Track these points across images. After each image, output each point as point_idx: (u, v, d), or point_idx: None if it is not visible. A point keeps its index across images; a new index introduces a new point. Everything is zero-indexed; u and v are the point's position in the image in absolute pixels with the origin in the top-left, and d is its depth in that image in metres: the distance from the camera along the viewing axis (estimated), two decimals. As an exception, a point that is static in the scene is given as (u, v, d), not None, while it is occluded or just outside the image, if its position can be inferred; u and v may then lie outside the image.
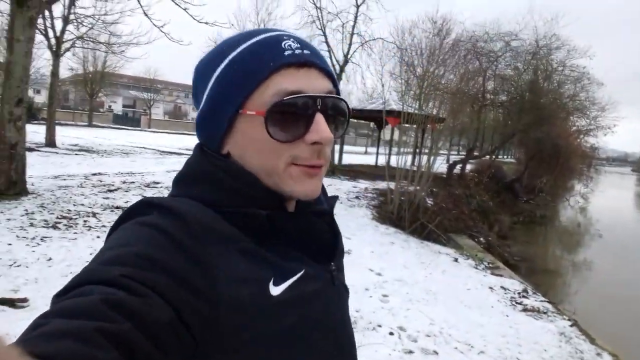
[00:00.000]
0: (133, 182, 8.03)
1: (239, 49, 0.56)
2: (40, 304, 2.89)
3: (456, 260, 6.31)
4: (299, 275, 0.54)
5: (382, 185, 10.61)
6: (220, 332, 0.46)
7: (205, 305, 0.45)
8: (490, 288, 5.16)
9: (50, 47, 13.75)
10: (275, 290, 0.51)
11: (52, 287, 3.15)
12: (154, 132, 35.85)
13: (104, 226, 4.99)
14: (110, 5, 14.17)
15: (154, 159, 13.29)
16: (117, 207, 5.96)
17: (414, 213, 7.77)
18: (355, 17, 13.71)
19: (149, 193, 7.14)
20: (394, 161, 9.33)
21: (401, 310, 3.97)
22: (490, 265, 6.35)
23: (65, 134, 17.79)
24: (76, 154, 12.52)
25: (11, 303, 2.89)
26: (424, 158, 9.14)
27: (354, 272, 4.72)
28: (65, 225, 4.89)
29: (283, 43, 0.55)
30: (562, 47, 16.77)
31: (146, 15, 8.90)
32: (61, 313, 0.38)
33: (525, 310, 4.56)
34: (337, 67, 13.91)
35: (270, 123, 0.53)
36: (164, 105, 60.40)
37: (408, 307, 4.07)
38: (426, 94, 9.71)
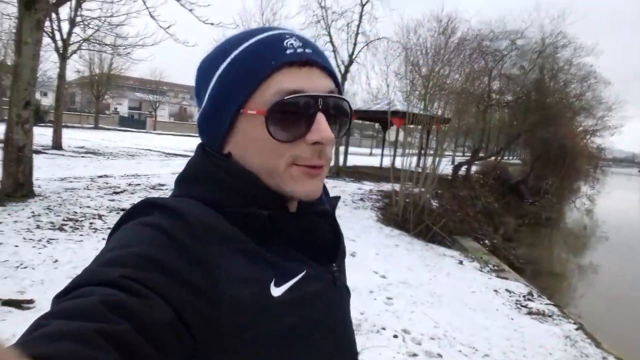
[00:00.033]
0: (139, 184, 8.07)
1: (240, 48, 0.55)
2: (46, 306, 2.89)
3: (461, 262, 6.28)
4: (300, 276, 0.54)
5: (387, 187, 10.60)
6: (221, 332, 0.46)
7: (206, 305, 0.45)
8: (495, 291, 5.13)
9: (57, 49, 13.88)
10: (277, 291, 0.51)
11: (58, 288, 3.13)
12: (159, 134, 36.02)
13: (109, 228, 5.01)
14: (116, 7, 14.25)
15: (159, 161, 13.36)
16: (123, 209, 5.99)
17: (418, 215, 7.75)
18: (360, 17, 13.70)
19: (155, 195, 7.17)
20: (398, 163, 9.30)
21: (405, 312, 3.96)
22: (496, 267, 6.32)
23: (71, 137, 17.92)
24: (82, 157, 12.61)
25: (17, 304, 2.92)
26: (429, 159, 9.11)
27: (358, 275, 4.72)
28: (72, 227, 4.93)
29: (285, 42, 0.55)
30: (568, 45, 16.71)
31: (152, 16, 8.95)
32: (61, 314, 0.38)
33: (530, 313, 4.53)
34: (342, 68, 13.91)
35: (271, 122, 0.53)
36: (170, 107, 60.69)
37: (412, 309, 4.06)
38: (431, 94, 9.69)
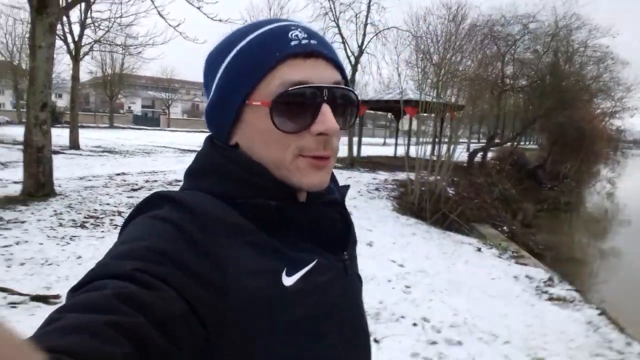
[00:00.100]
0: (156, 181, 8.19)
1: (246, 39, 0.56)
2: (72, 301, 2.99)
3: (479, 250, 6.23)
4: (311, 265, 0.54)
5: (401, 176, 10.54)
6: (232, 324, 0.47)
7: (215, 297, 0.46)
8: (515, 277, 5.08)
9: (69, 51, 14.11)
10: (288, 281, 0.51)
11: (82, 284, 3.25)
12: (173, 131, 36.42)
13: (129, 225, 5.12)
14: (125, 8, 14.43)
15: (174, 158, 13.51)
16: (141, 206, 6.09)
17: (435, 203, 7.70)
18: (368, 7, 13.59)
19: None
20: (413, 152, 9.23)
21: (424, 301, 3.95)
22: (515, 254, 6.25)
23: (87, 136, 18.25)
24: (100, 155, 12.85)
25: (45, 300, 3.01)
26: (444, 147, 9.02)
27: (376, 264, 4.73)
28: (93, 224, 5.04)
29: (290, 33, 0.55)
30: (582, 26, 16.28)
31: (161, 15, 9.02)
32: (74, 308, 0.38)
33: (551, 299, 4.47)
34: (352, 59, 13.81)
35: (276, 114, 0.53)
36: (182, 104, 61.24)
37: (431, 297, 4.05)
38: (444, 81, 9.57)
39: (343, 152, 14.01)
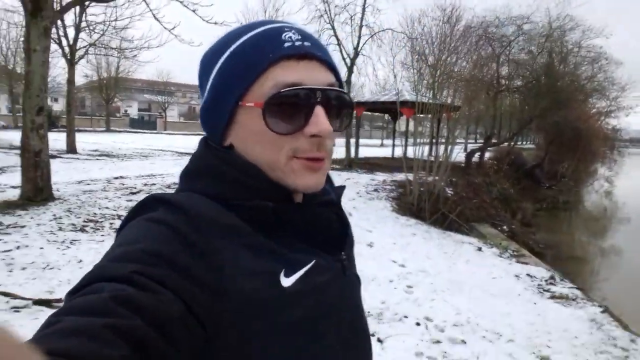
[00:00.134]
0: (154, 184, 8.17)
1: (240, 41, 0.56)
2: (75, 305, 2.98)
3: (480, 249, 6.24)
4: (309, 266, 0.54)
5: (399, 177, 10.55)
6: (229, 325, 0.47)
7: (212, 299, 0.46)
8: (516, 276, 5.09)
9: (64, 55, 14.06)
10: (287, 282, 0.51)
11: (84, 288, 3.24)
12: (170, 134, 36.34)
13: (129, 228, 5.10)
14: (120, 11, 14.39)
15: (172, 161, 13.48)
16: (140, 209, 6.06)
17: (434, 203, 7.72)
18: (363, 9, 13.62)
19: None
20: (410, 152, 9.25)
21: (426, 300, 3.95)
22: (515, 253, 6.26)
23: (84, 140, 18.17)
24: (97, 159, 12.80)
25: (48, 303, 3.00)
26: (441, 148, 9.04)
27: (377, 264, 4.73)
28: (92, 228, 5.01)
29: (284, 35, 0.55)
30: (576, 27, 16.39)
31: (156, 18, 9.02)
32: (72, 311, 0.38)
33: (553, 297, 4.49)
34: (348, 60, 13.84)
35: (269, 115, 0.53)
36: (179, 107, 61.10)
37: (433, 297, 4.05)
38: (440, 82, 9.61)
39: (341, 153, 14.02)
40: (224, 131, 0.58)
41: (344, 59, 13.86)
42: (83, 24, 13.93)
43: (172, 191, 0.57)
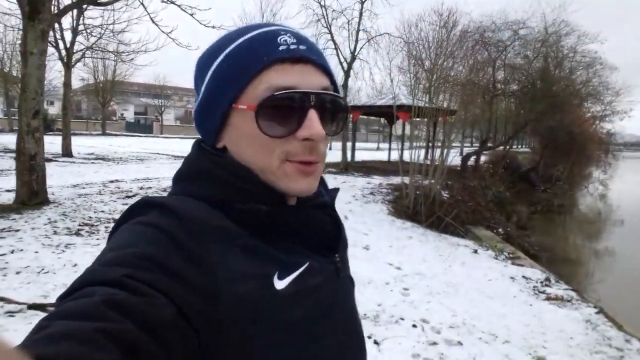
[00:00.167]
0: (150, 188, 8.15)
1: (235, 44, 0.56)
2: (70, 308, 2.96)
3: (475, 251, 6.26)
4: (303, 268, 0.54)
5: (396, 180, 10.58)
6: (224, 328, 0.47)
7: (206, 302, 0.46)
8: (512, 278, 5.11)
9: (61, 58, 14.03)
10: (280, 284, 0.51)
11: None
12: (166, 137, 36.24)
13: (124, 231, 5.08)
14: (117, 15, 14.36)
15: (168, 164, 13.44)
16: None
17: (430, 207, 7.74)
18: (360, 14, 13.71)
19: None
20: (407, 156, 9.29)
21: (422, 303, 3.96)
22: (511, 255, 6.29)
23: (80, 144, 18.10)
24: (93, 163, 12.75)
25: (42, 308, 2.97)
26: (437, 151, 9.08)
27: (373, 267, 4.73)
28: (88, 231, 4.99)
29: (279, 38, 0.55)
30: (572, 33, 16.58)
31: (153, 22, 9.02)
32: (63, 315, 0.38)
33: (548, 299, 4.51)
34: (345, 65, 13.90)
35: (261, 118, 0.53)
36: (175, 111, 61.03)
37: (429, 299, 4.06)
38: (436, 86, 9.66)
39: (337, 157, 14.04)
40: (218, 134, 0.58)
41: (341, 63, 13.94)
42: (80, 27, 13.91)
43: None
